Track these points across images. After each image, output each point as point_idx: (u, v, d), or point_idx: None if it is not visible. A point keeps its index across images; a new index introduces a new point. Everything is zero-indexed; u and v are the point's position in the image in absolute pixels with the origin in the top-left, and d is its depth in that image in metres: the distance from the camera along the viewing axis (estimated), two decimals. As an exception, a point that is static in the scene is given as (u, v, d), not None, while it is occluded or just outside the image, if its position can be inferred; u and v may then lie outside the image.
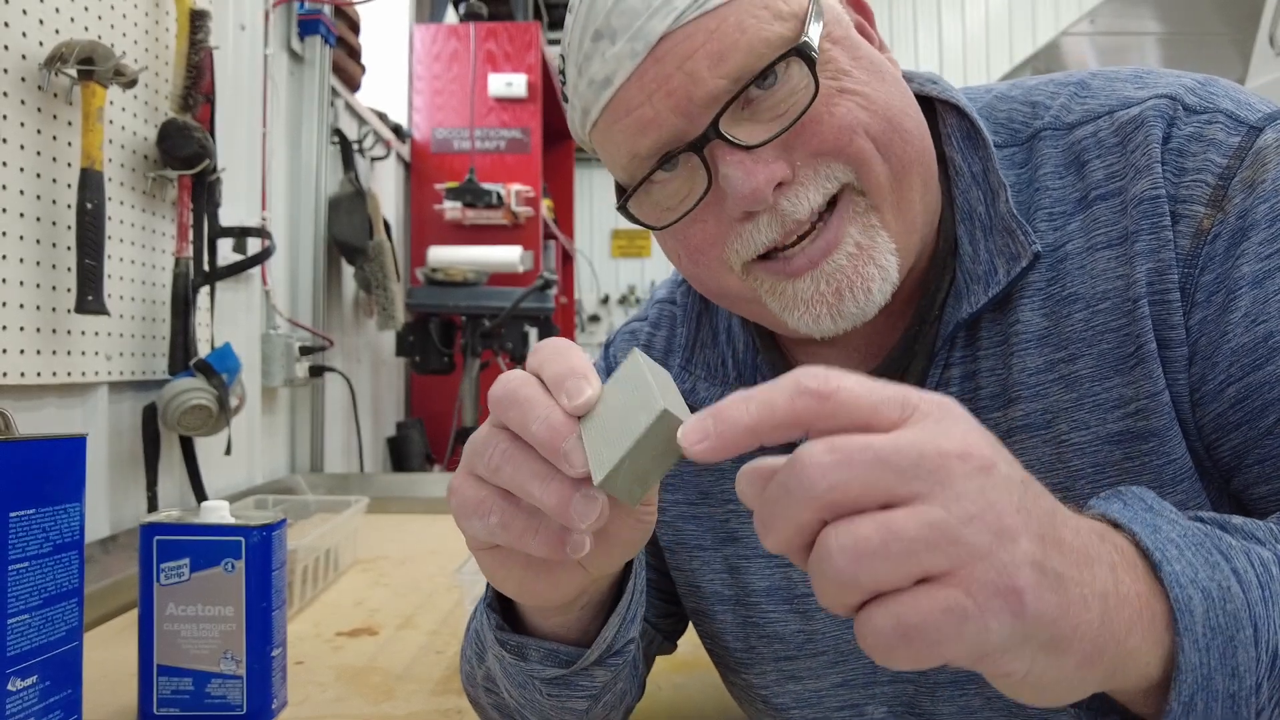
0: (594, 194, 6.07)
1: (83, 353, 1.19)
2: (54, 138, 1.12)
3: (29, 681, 0.66)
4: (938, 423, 0.35)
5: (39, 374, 1.10)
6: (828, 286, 0.53)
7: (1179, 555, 0.39)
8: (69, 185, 1.14)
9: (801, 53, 0.51)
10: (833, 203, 0.54)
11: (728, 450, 0.36)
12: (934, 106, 0.61)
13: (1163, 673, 0.39)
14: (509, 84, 3.00)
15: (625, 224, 6.13)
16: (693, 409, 0.66)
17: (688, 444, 0.37)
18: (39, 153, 1.10)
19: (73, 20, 1.16)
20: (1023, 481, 0.36)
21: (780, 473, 0.35)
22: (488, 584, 0.57)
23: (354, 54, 2.37)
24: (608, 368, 0.75)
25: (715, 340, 0.68)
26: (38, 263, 1.10)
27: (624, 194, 0.57)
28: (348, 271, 2.35)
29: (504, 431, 0.43)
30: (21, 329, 1.07)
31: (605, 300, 6.21)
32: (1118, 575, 0.38)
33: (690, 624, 0.72)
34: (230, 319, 1.63)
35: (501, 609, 0.58)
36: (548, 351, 0.44)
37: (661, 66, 0.52)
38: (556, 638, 0.56)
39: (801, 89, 0.52)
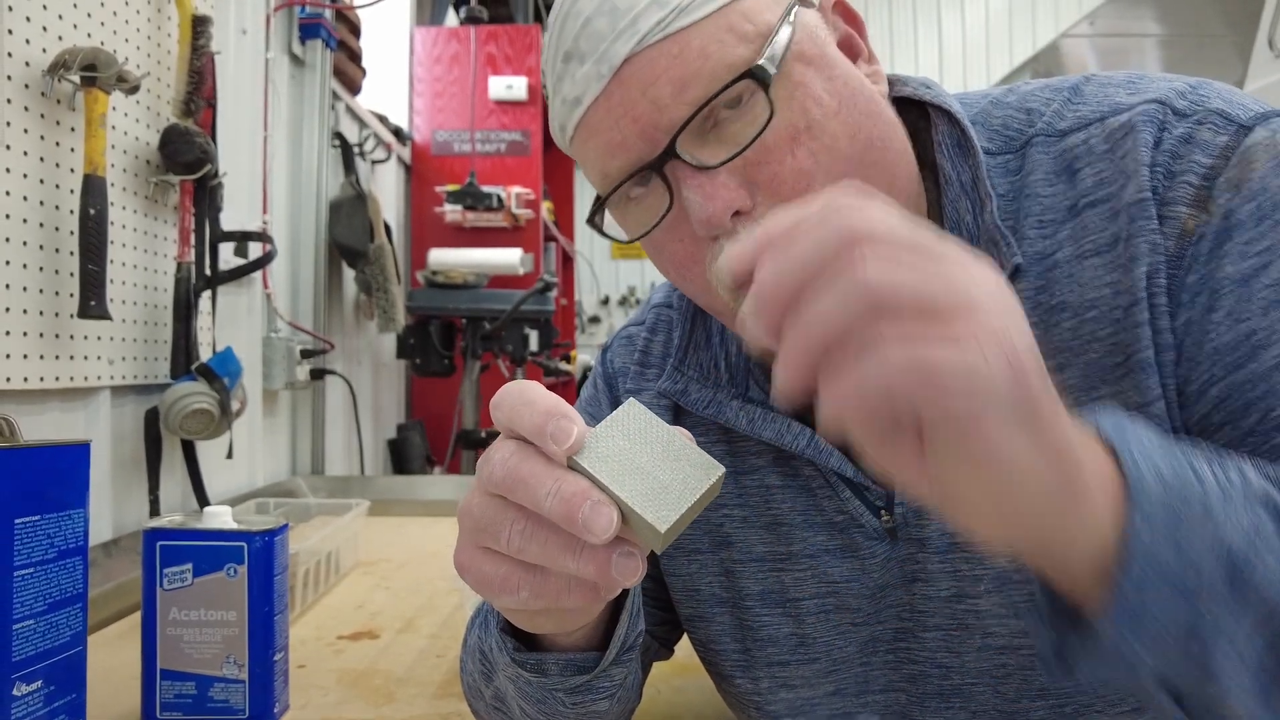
0: (593, 196, 6.06)
1: (85, 357, 1.20)
2: (57, 144, 1.13)
3: (34, 686, 0.66)
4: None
5: (41, 379, 1.11)
6: None
7: (1139, 445, 0.40)
8: (72, 191, 1.14)
9: (754, 76, 0.51)
10: None
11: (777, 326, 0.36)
12: (927, 112, 0.61)
13: (1113, 558, 0.38)
14: (509, 87, 3.01)
15: (626, 225, 6.15)
16: (684, 410, 0.68)
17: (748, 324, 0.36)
18: (42, 159, 1.10)
19: (75, 27, 1.17)
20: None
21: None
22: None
23: (355, 57, 2.37)
24: (604, 373, 0.75)
25: (709, 342, 0.68)
26: (40, 268, 1.10)
27: (596, 208, 0.58)
28: (348, 274, 2.35)
29: (513, 506, 0.42)
30: (24, 334, 1.08)
31: (605, 301, 6.21)
32: (1083, 433, 0.39)
33: (685, 633, 0.73)
34: (232, 323, 1.64)
35: (512, 629, 0.57)
36: (512, 400, 0.42)
37: (626, 90, 0.52)
38: (569, 647, 0.56)
39: (762, 114, 0.52)
